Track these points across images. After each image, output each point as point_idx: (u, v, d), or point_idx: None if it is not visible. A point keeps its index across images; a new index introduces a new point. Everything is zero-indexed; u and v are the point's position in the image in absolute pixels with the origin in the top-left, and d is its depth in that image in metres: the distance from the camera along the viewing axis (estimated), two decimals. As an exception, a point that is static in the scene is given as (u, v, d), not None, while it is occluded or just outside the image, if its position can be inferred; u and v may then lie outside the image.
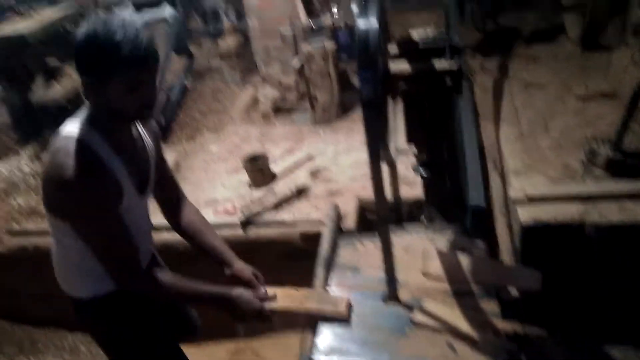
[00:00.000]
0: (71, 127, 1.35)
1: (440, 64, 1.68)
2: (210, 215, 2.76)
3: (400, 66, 1.68)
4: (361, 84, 1.41)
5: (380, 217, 1.73)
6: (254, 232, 2.63)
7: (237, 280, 1.65)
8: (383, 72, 1.60)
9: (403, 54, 1.73)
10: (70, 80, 3.22)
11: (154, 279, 1.47)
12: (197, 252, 1.71)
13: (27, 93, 3.17)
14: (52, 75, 3.14)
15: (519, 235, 2.17)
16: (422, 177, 2.12)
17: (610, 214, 2.07)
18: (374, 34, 1.43)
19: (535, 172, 2.48)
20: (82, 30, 1.26)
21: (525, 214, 2.18)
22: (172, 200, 1.71)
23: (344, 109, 3.72)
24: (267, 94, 3.97)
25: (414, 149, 2.08)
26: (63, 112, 3.32)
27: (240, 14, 5.71)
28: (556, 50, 3.84)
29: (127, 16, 5.63)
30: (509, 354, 1.53)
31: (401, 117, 1.91)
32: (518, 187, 2.37)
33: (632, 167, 2.18)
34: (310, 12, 3.98)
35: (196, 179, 3.20)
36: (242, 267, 1.69)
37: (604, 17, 3.49)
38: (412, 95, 1.77)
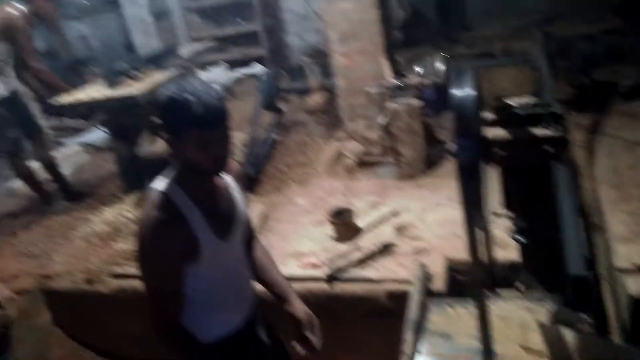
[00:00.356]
0: (158, 182, 1.52)
1: (541, 131, 1.65)
2: (295, 268, 2.80)
3: (497, 133, 1.67)
4: (458, 152, 1.42)
5: (475, 283, 1.67)
6: (339, 288, 2.63)
7: (291, 318, 1.76)
8: (480, 138, 1.60)
9: (500, 120, 1.72)
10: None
11: (181, 343, 1.57)
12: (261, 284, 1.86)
13: (134, 146, 3.46)
14: (156, 131, 3.40)
15: (628, 308, 2.01)
16: (519, 242, 2.04)
17: None
18: (471, 102, 1.45)
19: (643, 240, 2.31)
20: (163, 90, 1.44)
21: (635, 286, 2.02)
22: (248, 240, 1.83)
23: (429, 164, 3.69)
24: (352, 148, 4.04)
25: (511, 214, 2.02)
26: (164, 164, 3.60)
27: (325, 70, 5.95)
28: (659, 106, 3.63)
29: (208, 77, 6.05)
30: None
31: (497, 182, 1.87)
32: (625, 255, 2.21)
33: None
34: (396, 70, 4.06)
35: (282, 231, 3.27)
36: (298, 307, 1.77)
37: None
38: (509, 161, 1.74)
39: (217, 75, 6.78)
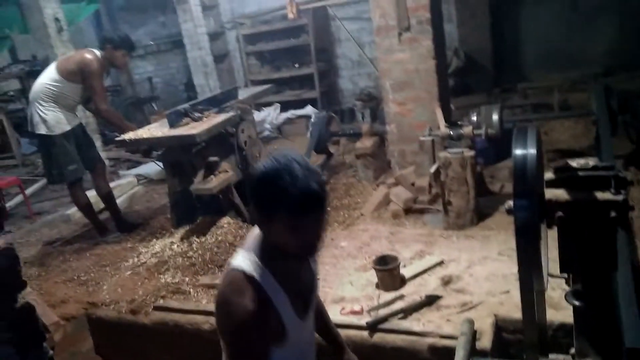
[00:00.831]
0: (242, 260, 1.44)
1: (604, 194, 1.59)
2: (336, 314, 2.76)
3: (557, 193, 1.63)
4: (516, 211, 1.40)
5: (528, 345, 1.60)
6: (380, 337, 2.55)
7: None
8: (539, 198, 1.56)
9: (560, 180, 1.67)
10: (225, 175, 3.57)
11: None
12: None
13: (187, 182, 3.57)
14: (210, 169, 3.51)
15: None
16: (574, 306, 1.93)
17: None
18: (532, 163, 1.44)
19: None
20: (261, 166, 1.37)
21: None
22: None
23: (478, 215, 3.60)
24: (400, 194, 4.01)
25: (567, 276, 1.93)
26: (214, 201, 3.71)
27: (376, 115, 6.01)
28: None
29: (260, 116, 6.22)
30: None
31: (555, 242, 1.81)
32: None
33: None
34: (449, 119, 4.05)
35: (325, 274, 3.25)
36: (351, 357, 1.87)
37: None
38: (569, 223, 1.68)
39: (268, 115, 7.00)
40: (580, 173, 1.73)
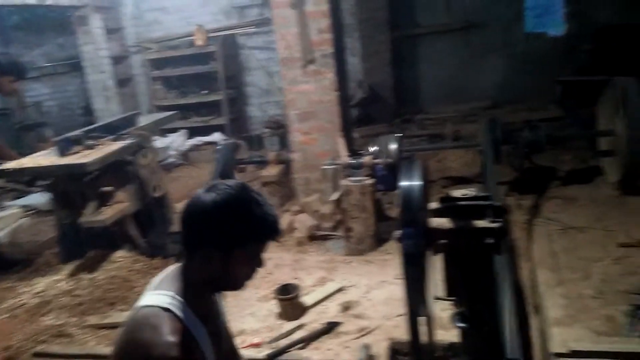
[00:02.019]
0: (155, 298, 1.32)
1: (482, 222, 1.72)
2: (236, 346, 2.70)
3: (440, 222, 1.73)
4: (403, 239, 1.46)
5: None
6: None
7: None
8: (424, 227, 1.65)
9: (444, 210, 1.78)
10: (120, 205, 3.41)
11: None
12: None
13: (77, 214, 3.36)
14: (103, 199, 3.34)
15: (563, 396, 2.01)
16: (459, 328, 2.05)
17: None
18: (417, 194, 1.51)
19: (577, 323, 2.36)
20: (212, 197, 1.29)
21: (569, 373, 2.04)
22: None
23: (378, 241, 3.73)
24: (304, 221, 4.06)
25: (452, 300, 2.05)
26: (107, 233, 3.51)
27: (284, 142, 6.07)
28: (594, 192, 3.84)
29: (165, 142, 6.03)
30: None
31: (441, 268, 1.92)
32: (560, 339, 2.24)
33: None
34: (351, 148, 4.19)
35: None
36: None
37: (641, 164, 3.51)
38: (451, 250, 1.80)
39: (173, 142, 6.82)
40: (461, 203, 1.87)
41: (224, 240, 1.30)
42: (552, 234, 3.25)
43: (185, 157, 6.90)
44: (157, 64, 7.49)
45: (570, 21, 6.16)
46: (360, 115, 6.60)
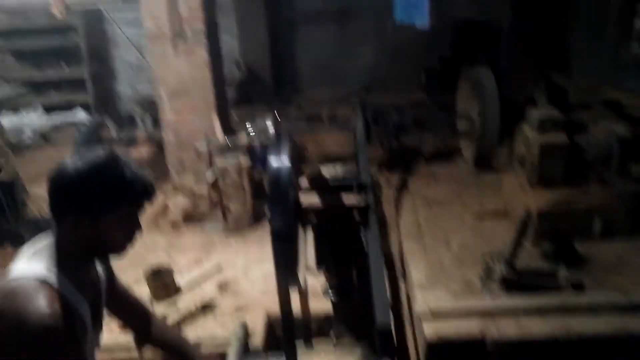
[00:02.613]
0: (26, 269, 1.23)
1: (349, 199, 1.78)
2: (105, 333, 2.52)
3: (310, 199, 1.76)
4: (272, 217, 1.45)
5: (285, 337, 1.68)
6: (152, 354, 2.41)
7: None
8: (294, 204, 1.67)
9: (314, 187, 1.81)
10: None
11: None
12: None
13: None
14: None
15: (424, 351, 2.18)
16: (330, 300, 2.13)
17: (508, 329, 2.16)
18: (285, 172, 1.52)
19: (438, 286, 2.57)
20: (78, 164, 1.22)
21: (430, 330, 2.22)
22: (140, 317, 1.69)
23: (256, 219, 3.71)
24: (178, 202, 3.89)
25: (324, 274, 2.10)
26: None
27: (157, 122, 5.76)
28: (453, 169, 4.20)
29: (21, 122, 5.48)
30: None
31: (312, 243, 1.96)
32: (422, 301, 2.43)
33: (525, 285, 2.32)
34: (227, 128, 4.10)
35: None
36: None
37: (493, 144, 3.91)
38: (321, 225, 1.84)
39: (29, 120, 6.14)
40: (330, 182, 1.93)
41: (90, 206, 1.24)
42: (417, 207, 3.49)
43: (45, 137, 6.24)
44: (7, 34, 6.65)
45: (433, 15, 6.69)
46: (239, 96, 6.49)
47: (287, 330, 1.67)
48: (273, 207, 1.52)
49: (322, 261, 2.01)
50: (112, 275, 1.56)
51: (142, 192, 1.29)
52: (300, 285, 1.82)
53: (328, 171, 1.89)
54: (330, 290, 2.05)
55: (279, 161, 1.58)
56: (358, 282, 2.26)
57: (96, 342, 1.44)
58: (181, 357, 1.75)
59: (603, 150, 2.79)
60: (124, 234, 1.31)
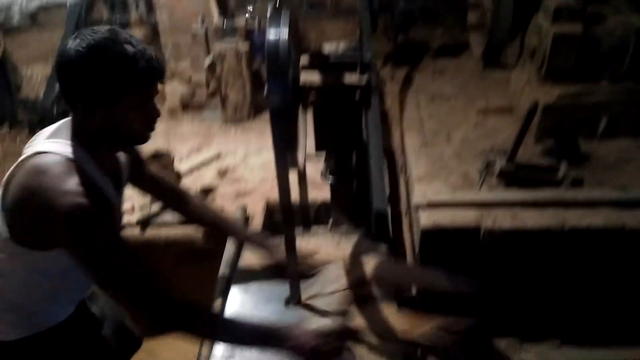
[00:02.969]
0: (54, 146, 1.17)
1: (350, 78, 1.69)
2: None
3: (310, 77, 1.68)
4: (270, 93, 1.38)
5: (285, 222, 1.69)
6: (153, 232, 2.48)
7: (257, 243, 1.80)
8: (293, 82, 1.58)
9: (314, 65, 1.72)
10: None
11: (193, 309, 1.26)
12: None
13: None
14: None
15: (419, 238, 2.24)
16: (329, 182, 2.12)
17: (503, 220, 2.19)
18: (284, 44, 1.42)
19: (437, 180, 2.58)
20: (74, 48, 1.11)
21: (426, 218, 2.25)
22: (177, 198, 1.71)
23: (256, 109, 3.65)
24: (175, 89, 3.80)
25: (323, 156, 2.08)
26: None
27: (151, 6, 5.46)
28: (461, 65, 4.05)
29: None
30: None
31: (312, 124, 1.91)
32: (420, 193, 2.44)
33: (524, 178, 2.32)
34: (225, 10, 3.87)
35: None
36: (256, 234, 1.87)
37: (504, 38, 3.73)
38: (321, 105, 1.77)
39: (17, 1, 5.80)
40: (331, 59, 1.83)
41: (97, 88, 1.14)
42: (421, 102, 3.41)
43: (33, 18, 5.94)
44: None
45: None
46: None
47: (285, 212, 1.67)
48: (271, 82, 1.45)
49: (322, 145, 1.98)
50: (140, 164, 1.54)
51: (149, 70, 1.16)
52: (299, 166, 1.80)
53: (330, 49, 1.79)
54: (328, 174, 2.04)
55: (278, 33, 1.48)
56: (357, 168, 2.26)
57: (119, 224, 1.46)
58: (224, 232, 1.84)
59: (618, 43, 2.66)
60: (140, 120, 1.21)
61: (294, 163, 1.80)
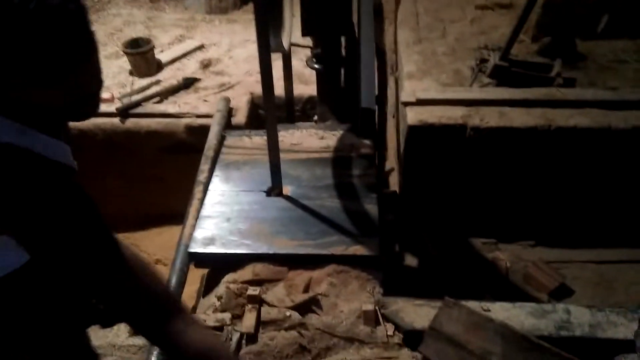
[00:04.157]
0: None
1: None
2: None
3: None
4: None
5: (267, 109, 1.64)
6: (134, 123, 2.42)
7: None
8: None
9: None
10: None
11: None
12: None
13: None
14: None
15: (405, 135, 2.21)
16: (315, 70, 2.03)
17: (491, 118, 2.15)
18: None
19: (428, 77, 2.49)
20: None
21: (413, 115, 2.21)
22: None
23: (242, 0, 3.44)
24: (156, -26, 3.54)
25: (310, 42, 1.97)
26: None
27: None
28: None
29: None
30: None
31: (298, 8, 1.79)
32: (410, 90, 2.37)
33: (516, 75, 2.25)
34: None
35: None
36: None
37: None
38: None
39: None
40: None
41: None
42: (417, -4, 3.22)
43: None
44: None
45: None
46: None
47: (267, 102, 1.61)
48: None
49: (310, 29, 1.88)
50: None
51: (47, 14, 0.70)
52: (284, 49, 1.71)
53: None
54: (314, 60, 1.96)
55: None
56: (346, 56, 2.16)
57: None
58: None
59: None
60: (68, 90, 0.80)
61: (279, 47, 1.71)
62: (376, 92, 2.29)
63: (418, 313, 1.38)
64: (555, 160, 2.17)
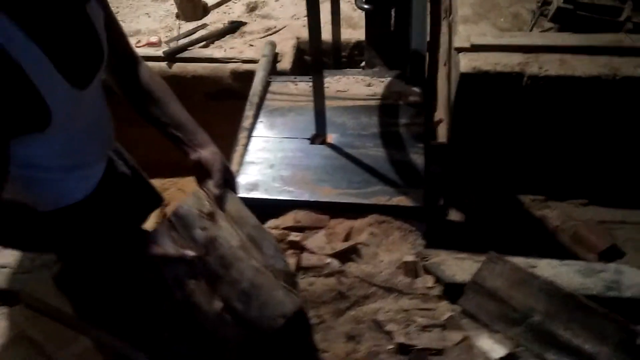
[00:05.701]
0: None
1: None
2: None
3: None
4: None
5: (313, 55, 1.60)
6: (181, 67, 2.43)
7: (197, 168, 1.23)
8: None
9: None
10: None
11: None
12: (154, 125, 1.24)
13: None
14: None
15: (457, 83, 2.11)
16: (364, 11, 1.95)
17: (550, 66, 2.02)
18: None
19: (484, 21, 2.35)
20: None
21: (466, 62, 2.10)
22: (123, 62, 1.23)
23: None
24: None
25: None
26: None
27: None
28: None
29: None
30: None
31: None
32: (464, 35, 2.25)
33: (581, 19, 2.08)
34: None
35: (116, 5, 2.85)
36: (212, 156, 1.21)
37: None
38: None
39: None
40: None
41: None
42: None
43: None
44: None
45: None
46: None
47: (315, 51, 1.56)
48: None
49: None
50: (107, 9, 1.14)
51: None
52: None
53: None
54: (364, 0, 1.87)
55: None
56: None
57: (85, 101, 1.07)
58: (176, 138, 1.23)
59: None
60: None
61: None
62: (428, 37, 2.18)
63: (460, 266, 1.35)
64: (618, 113, 2.03)
